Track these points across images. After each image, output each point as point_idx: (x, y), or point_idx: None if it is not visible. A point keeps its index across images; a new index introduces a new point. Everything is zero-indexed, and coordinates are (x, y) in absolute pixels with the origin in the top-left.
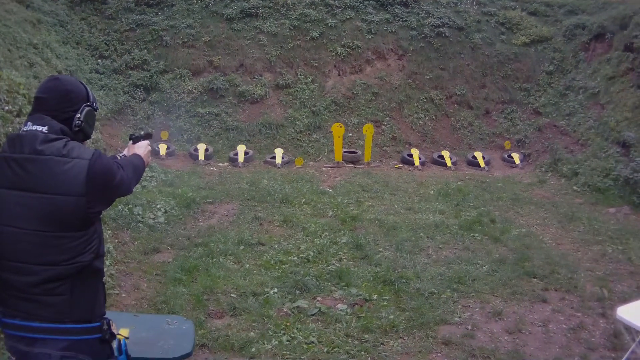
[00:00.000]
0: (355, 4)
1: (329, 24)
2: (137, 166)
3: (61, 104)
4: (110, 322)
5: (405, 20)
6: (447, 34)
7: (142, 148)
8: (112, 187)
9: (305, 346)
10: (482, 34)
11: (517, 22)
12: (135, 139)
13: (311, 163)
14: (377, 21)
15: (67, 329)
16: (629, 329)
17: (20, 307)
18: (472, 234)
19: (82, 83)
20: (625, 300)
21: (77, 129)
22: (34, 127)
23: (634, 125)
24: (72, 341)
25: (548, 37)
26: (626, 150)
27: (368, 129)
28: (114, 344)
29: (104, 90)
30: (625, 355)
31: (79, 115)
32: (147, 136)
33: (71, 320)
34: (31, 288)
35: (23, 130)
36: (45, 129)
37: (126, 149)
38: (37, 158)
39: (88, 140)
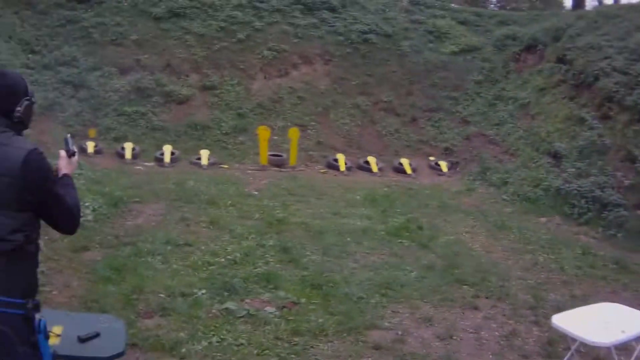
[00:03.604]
0: (282, 7)
1: (256, 27)
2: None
3: (5, 99)
4: (39, 304)
5: (333, 26)
6: (374, 40)
7: (73, 165)
8: (44, 185)
9: (235, 348)
10: (410, 42)
11: (447, 31)
12: (72, 154)
13: (237, 165)
14: (304, 25)
15: None
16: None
17: None
18: (399, 240)
19: (21, 77)
20: (558, 309)
21: (16, 120)
22: None
23: (565, 136)
24: None
25: (478, 46)
26: (557, 161)
27: (293, 133)
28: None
29: (34, 85)
30: None
31: (19, 108)
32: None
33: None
34: None
35: None
36: None
37: (61, 160)
38: None
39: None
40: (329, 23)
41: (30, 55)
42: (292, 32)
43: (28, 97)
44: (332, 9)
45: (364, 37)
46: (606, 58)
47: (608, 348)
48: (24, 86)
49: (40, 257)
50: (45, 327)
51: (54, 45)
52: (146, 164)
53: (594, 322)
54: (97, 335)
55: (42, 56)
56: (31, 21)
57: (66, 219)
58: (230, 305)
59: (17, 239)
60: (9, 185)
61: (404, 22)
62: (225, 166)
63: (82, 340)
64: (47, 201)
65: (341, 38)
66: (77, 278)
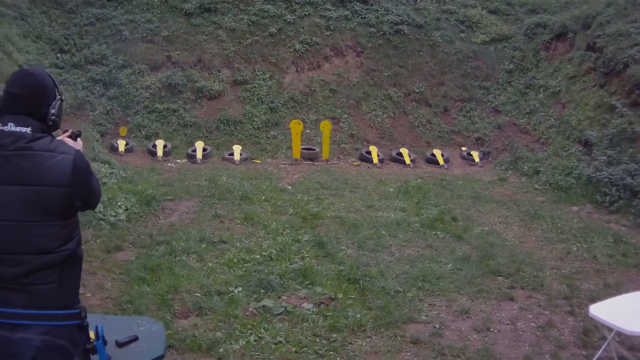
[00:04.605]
0: (314, 0)
1: (288, 20)
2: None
3: (38, 100)
4: (86, 310)
5: (364, 17)
6: (406, 31)
7: (80, 146)
8: (89, 185)
9: (273, 346)
10: (441, 32)
11: (477, 21)
12: (76, 136)
13: (269, 160)
14: (336, 18)
15: (49, 314)
16: (602, 326)
17: (3, 297)
18: (434, 232)
19: (48, 74)
20: (592, 298)
21: (51, 123)
22: (18, 129)
23: (596, 124)
24: (53, 326)
25: (508, 35)
26: (588, 149)
27: (326, 126)
28: (92, 331)
29: (63, 85)
30: (598, 353)
31: (53, 110)
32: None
33: (56, 307)
34: (20, 278)
35: (3, 130)
36: (29, 129)
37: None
38: (26, 153)
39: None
40: (361, 15)
41: (59, 55)
42: (323, 25)
43: (59, 97)
44: (364, 1)
45: (396, 28)
46: (635, 45)
47: None
48: (53, 85)
49: None
50: (103, 333)
51: (83, 44)
52: (178, 160)
53: (630, 311)
54: (135, 339)
55: (72, 55)
56: (60, 20)
57: (94, 202)
58: (267, 302)
59: (70, 247)
60: (61, 194)
61: (435, 12)
62: (258, 161)
63: (121, 345)
64: (85, 195)
65: (373, 29)
66: (111, 279)
